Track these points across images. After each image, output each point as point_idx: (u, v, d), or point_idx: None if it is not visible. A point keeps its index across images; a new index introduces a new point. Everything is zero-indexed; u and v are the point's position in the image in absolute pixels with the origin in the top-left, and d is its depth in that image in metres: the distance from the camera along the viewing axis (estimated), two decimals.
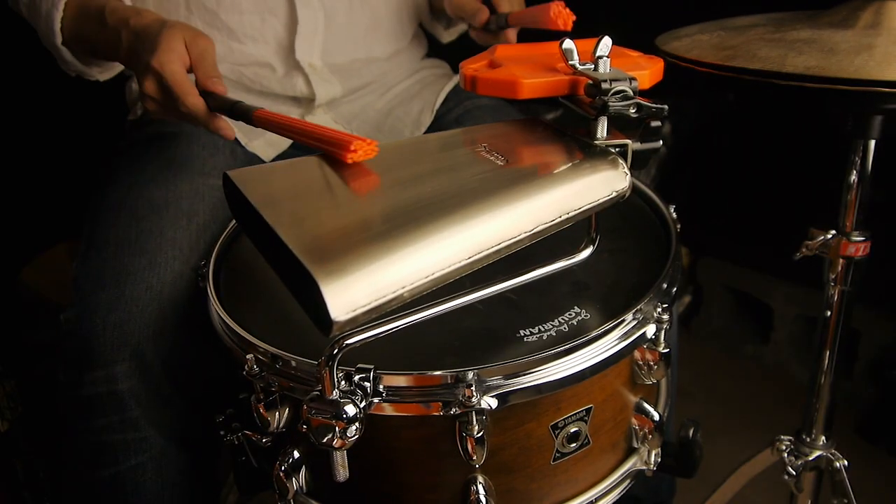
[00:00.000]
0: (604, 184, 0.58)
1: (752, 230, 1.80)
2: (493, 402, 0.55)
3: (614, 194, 0.58)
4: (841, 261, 0.86)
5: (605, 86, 0.58)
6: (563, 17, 0.85)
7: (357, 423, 0.51)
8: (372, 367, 0.54)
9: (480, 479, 0.59)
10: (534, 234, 0.53)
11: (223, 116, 0.76)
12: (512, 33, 0.99)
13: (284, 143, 1.05)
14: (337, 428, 0.50)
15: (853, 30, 0.73)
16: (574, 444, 0.62)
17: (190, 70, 0.77)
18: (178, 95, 0.74)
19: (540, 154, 0.63)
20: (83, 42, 0.86)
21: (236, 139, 1.00)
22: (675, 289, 0.68)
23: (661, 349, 0.64)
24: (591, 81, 0.59)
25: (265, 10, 1.00)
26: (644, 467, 0.69)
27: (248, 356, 0.60)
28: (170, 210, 0.84)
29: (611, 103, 0.58)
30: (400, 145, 0.67)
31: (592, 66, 0.61)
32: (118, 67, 0.98)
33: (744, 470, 1.04)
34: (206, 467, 0.86)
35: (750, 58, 0.69)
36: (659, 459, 0.69)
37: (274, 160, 1.03)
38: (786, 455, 0.96)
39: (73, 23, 0.84)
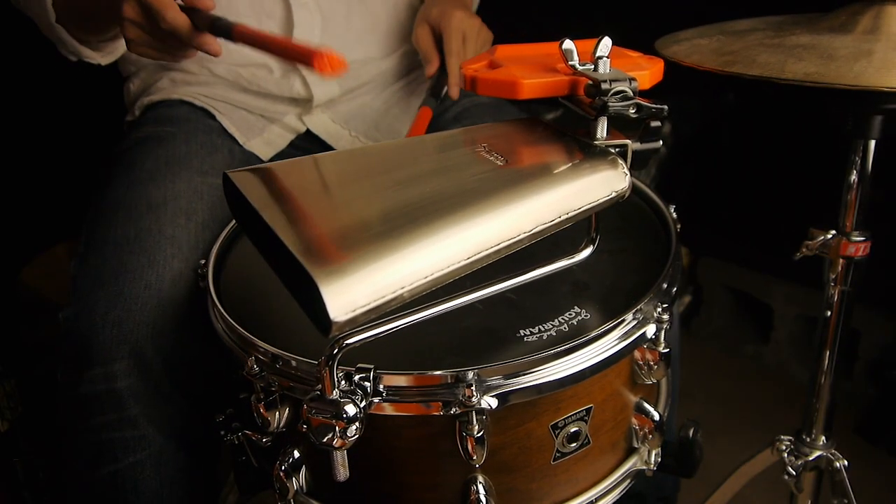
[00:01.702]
0: (603, 184, 0.58)
1: (752, 230, 1.80)
2: (493, 402, 0.55)
3: (614, 194, 0.58)
4: (841, 261, 0.86)
5: (604, 86, 0.58)
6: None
7: (357, 423, 0.51)
8: (372, 366, 0.54)
9: (480, 478, 0.59)
10: (533, 234, 0.53)
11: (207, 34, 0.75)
12: (455, 89, 1.01)
13: (283, 142, 1.05)
14: (337, 428, 0.50)
15: (852, 35, 0.73)
16: (574, 444, 0.62)
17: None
18: (157, 10, 0.71)
19: (540, 154, 0.63)
20: (75, 14, 0.85)
21: (234, 138, 1.01)
22: (675, 289, 0.68)
23: (662, 349, 0.64)
24: (590, 82, 0.59)
25: (262, 13, 1.00)
26: (644, 467, 0.69)
27: (249, 356, 0.60)
28: (168, 209, 0.84)
29: (611, 104, 0.58)
30: (399, 145, 0.67)
31: (592, 66, 0.61)
32: (119, 51, 0.97)
33: (744, 470, 1.04)
34: (206, 466, 0.86)
35: (749, 63, 0.69)
36: (659, 459, 0.69)
37: (272, 159, 1.03)
38: (786, 455, 0.96)
39: None
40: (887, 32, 0.72)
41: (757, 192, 1.81)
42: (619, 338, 0.61)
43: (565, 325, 0.62)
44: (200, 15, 0.74)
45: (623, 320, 0.61)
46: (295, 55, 0.65)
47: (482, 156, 0.60)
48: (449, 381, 0.55)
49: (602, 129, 0.61)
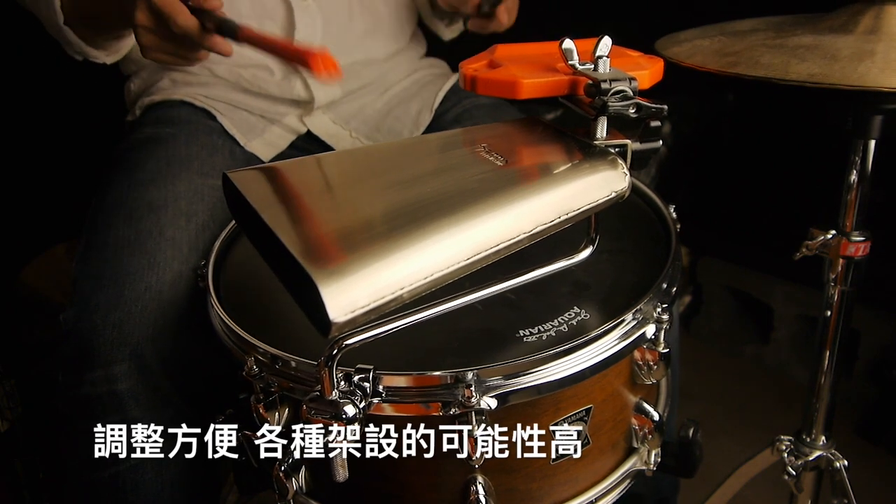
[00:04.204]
0: (603, 184, 0.58)
1: (753, 230, 1.80)
2: (493, 403, 0.55)
3: (614, 194, 0.58)
4: (841, 261, 0.86)
5: (604, 86, 0.57)
6: None
7: (356, 424, 0.51)
8: (371, 367, 0.54)
9: (480, 478, 0.59)
10: (533, 234, 0.53)
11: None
12: (504, 14, 1.00)
13: (283, 143, 1.05)
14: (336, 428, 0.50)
15: (853, 35, 0.73)
16: (574, 444, 0.62)
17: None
18: (168, 15, 0.73)
19: (539, 154, 0.63)
20: (84, 15, 0.86)
21: (234, 139, 1.01)
22: (675, 289, 0.68)
23: (661, 349, 0.64)
24: (590, 81, 0.59)
25: (263, 16, 1.00)
26: (644, 467, 0.69)
27: (248, 357, 0.60)
28: (169, 210, 0.84)
29: (610, 103, 0.58)
30: (399, 145, 0.67)
31: (592, 66, 0.61)
32: (124, 49, 0.98)
33: (744, 470, 1.04)
34: (206, 467, 0.86)
35: (752, 65, 0.68)
36: (659, 459, 0.69)
37: (273, 160, 1.03)
38: (786, 455, 0.96)
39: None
40: (888, 33, 0.72)
41: (757, 192, 1.81)
42: (618, 338, 0.61)
43: (565, 326, 0.62)
44: (209, 16, 0.76)
45: (623, 320, 0.61)
46: (293, 56, 0.68)
47: (482, 156, 0.60)
48: (448, 381, 0.55)
49: (602, 128, 0.61)
